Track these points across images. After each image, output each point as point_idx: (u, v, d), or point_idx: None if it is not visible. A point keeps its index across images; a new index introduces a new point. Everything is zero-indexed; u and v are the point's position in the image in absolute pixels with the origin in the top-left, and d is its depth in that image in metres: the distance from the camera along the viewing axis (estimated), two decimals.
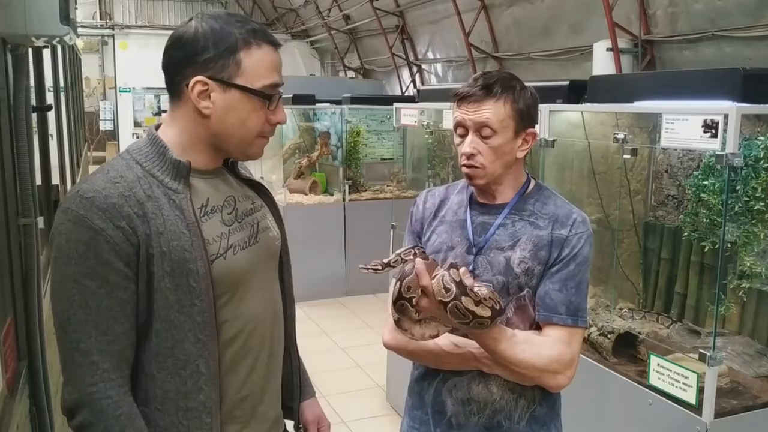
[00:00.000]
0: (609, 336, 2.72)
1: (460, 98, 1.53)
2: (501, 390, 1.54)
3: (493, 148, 1.51)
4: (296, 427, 1.61)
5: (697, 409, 2.23)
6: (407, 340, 1.54)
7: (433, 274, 1.42)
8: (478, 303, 1.38)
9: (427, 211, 1.68)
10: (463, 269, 1.45)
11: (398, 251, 1.52)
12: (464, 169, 1.55)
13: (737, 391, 2.39)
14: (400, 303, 1.43)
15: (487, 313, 1.39)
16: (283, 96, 1.34)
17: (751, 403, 2.33)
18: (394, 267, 1.49)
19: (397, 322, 1.48)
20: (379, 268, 1.49)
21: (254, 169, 1.57)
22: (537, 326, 1.54)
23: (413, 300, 1.42)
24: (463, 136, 1.54)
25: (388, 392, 4.15)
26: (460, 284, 1.39)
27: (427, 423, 1.62)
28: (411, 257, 1.48)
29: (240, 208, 1.38)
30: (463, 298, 1.37)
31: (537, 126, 1.63)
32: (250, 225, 1.39)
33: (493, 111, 1.49)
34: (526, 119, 1.54)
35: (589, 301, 3.07)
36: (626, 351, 2.73)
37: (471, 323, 1.39)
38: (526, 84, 1.59)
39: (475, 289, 1.40)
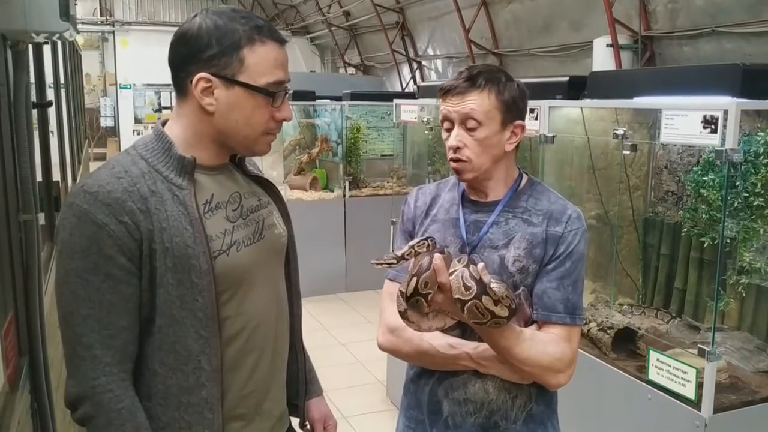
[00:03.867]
0: (608, 331, 2.72)
1: (445, 92, 1.52)
2: (497, 390, 1.53)
3: (479, 140, 1.49)
4: (302, 425, 1.61)
5: (696, 404, 2.24)
6: (402, 341, 1.53)
7: (450, 270, 1.38)
8: (497, 302, 1.35)
9: (418, 209, 1.66)
10: (481, 265, 1.42)
11: (411, 243, 1.46)
12: (452, 164, 1.53)
13: (736, 387, 2.40)
14: (414, 299, 1.39)
15: (505, 313, 1.37)
16: (290, 92, 1.33)
17: (750, 398, 2.34)
18: (407, 260, 1.44)
19: (404, 314, 1.44)
20: (394, 262, 1.43)
21: None
22: (531, 324, 1.52)
23: (428, 297, 1.38)
24: (449, 130, 1.53)
25: (388, 388, 4.16)
26: (480, 282, 1.35)
27: (423, 423, 1.60)
28: (424, 249, 1.44)
29: (245, 205, 1.38)
30: (483, 297, 1.34)
31: (529, 120, 1.62)
32: (255, 222, 1.38)
33: (478, 102, 1.48)
34: (513, 111, 1.52)
35: (589, 296, 3.08)
36: (625, 346, 2.73)
37: (487, 323, 1.37)
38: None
39: (493, 286, 1.37)
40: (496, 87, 1.49)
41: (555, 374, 1.48)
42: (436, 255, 1.39)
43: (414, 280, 1.38)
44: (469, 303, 1.35)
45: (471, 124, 1.49)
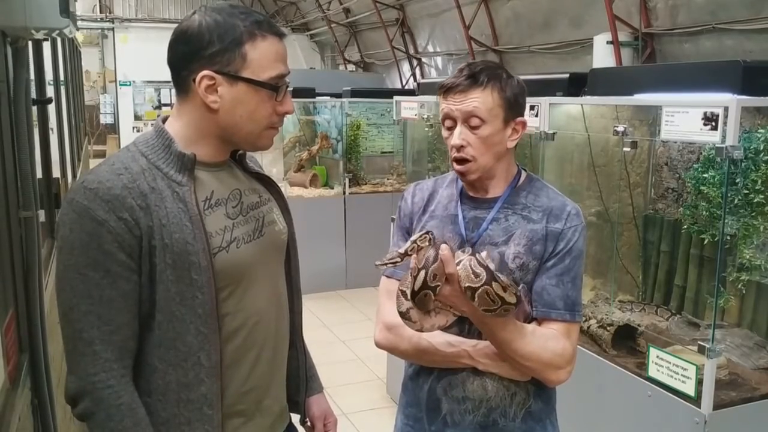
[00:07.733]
0: (608, 328, 2.72)
1: (446, 90, 1.50)
2: (496, 387, 1.52)
3: (482, 138, 1.48)
4: (302, 422, 1.61)
5: (696, 401, 2.24)
6: (400, 339, 1.53)
7: (456, 261, 1.39)
8: (505, 289, 1.37)
9: (415, 205, 1.66)
10: (485, 253, 1.44)
11: (413, 238, 1.47)
12: (455, 165, 1.51)
13: (736, 383, 2.40)
14: (423, 293, 1.38)
15: (513, 299, 1.38)
16: (289, 86, 1.33)
17: (749, 395, 2.34)
18: (411, 255, 1.44)
19: (405, 314, 1.42)
20: (398, 260, 1.43)
21: None
22: (531, 321, 1.52)
23: (436, 289, 1.38)
24: (450, 129, 1.52)
25: (388, 384, 4.17)
26: (488, 269, 1.37)
27: (422, 421, 1.60)
28: (426, 243, 1.44)
29: (245, 202, 1.38)
30: (493, 283, 1.36)
31: (529, 117, 1.62)
32: (256, 219, 1.38)
33: (481, 100, 1.47)
34: (514, 108, 1.51)
35: (589, 293, 3.08)
36: (625, 343, 2.73)
37: (497, 310, 1.37)
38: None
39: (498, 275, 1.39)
40: (499, 84, 1.49)
41: (555, 370, 1.47)
42: (443, 246, 1.39)
43: (422, 273, 1.37)
44: (480, 290, 1.35)
45: (474, 122, 1.48)
